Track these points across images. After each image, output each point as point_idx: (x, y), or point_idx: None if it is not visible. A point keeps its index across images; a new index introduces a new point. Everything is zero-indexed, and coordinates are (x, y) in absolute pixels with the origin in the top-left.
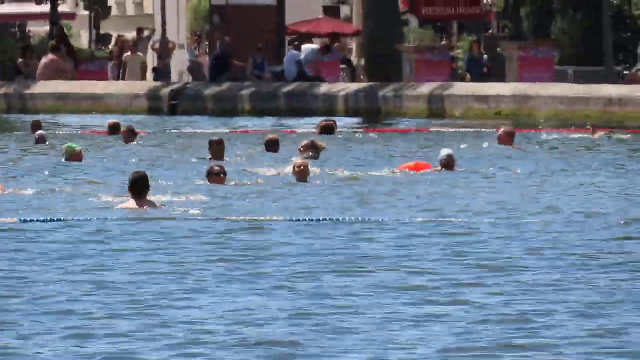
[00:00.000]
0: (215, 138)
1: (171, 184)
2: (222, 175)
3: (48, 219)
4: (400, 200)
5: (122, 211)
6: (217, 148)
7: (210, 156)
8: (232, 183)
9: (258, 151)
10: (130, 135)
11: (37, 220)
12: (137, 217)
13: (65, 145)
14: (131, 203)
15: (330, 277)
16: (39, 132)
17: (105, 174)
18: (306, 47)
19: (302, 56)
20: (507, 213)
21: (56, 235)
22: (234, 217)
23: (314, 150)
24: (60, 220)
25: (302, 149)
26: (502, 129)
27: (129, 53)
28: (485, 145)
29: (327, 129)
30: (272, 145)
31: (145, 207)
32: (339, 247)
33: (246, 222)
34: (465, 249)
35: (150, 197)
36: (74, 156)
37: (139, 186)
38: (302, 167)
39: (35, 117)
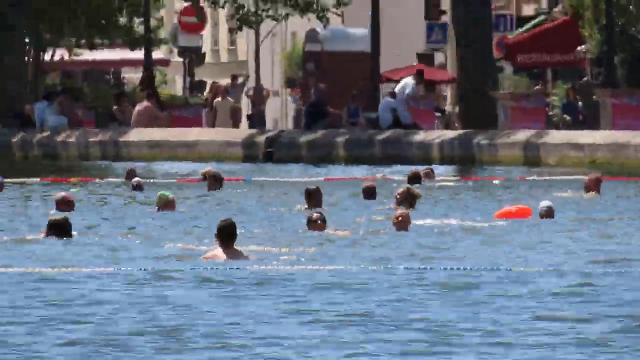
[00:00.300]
0: (312, 187)
1: (267, 232)
2: (320, 222)
3: (134, 268)
4: (513, 247)
5: (209, 260)
6: (314, 196)
7: (307, 205)
8: (332, 230)
9: (354, 199)
10: (214, 182)
11: (120, 269)
12: (223, 266)
13: (159, 193)
14: (219, 252)
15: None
16: (136, 179)
17: (196, 222)
18: (406, 81)
19: (406, 89)
20: (619, 259)
21: (140, 284)
22: (331, 266)
23: (410, 198)
24: (144, 269)
25: (398, 196)
26: (589, 176)
27: (219, 98)
28: (575, 193)
29: (415, 178)
30: (369, 193)
31: (232, 256)
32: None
33: (344, 271)
34: (583, 296)
35: (241, 246)
36: (166, 204)
37: (226, 234)
38: (402, 218)
39: (131, 165)
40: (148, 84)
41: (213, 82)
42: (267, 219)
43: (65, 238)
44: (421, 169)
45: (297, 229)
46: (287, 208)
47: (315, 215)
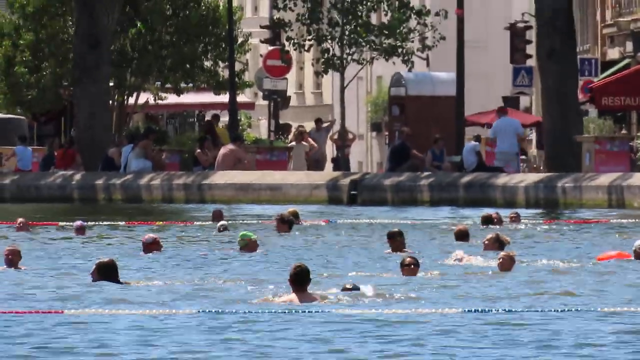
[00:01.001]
0: (395, 230)
1: (354, 275)
2: (414, 266)
3: (200, 310)
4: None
5: (282, 305)
6: (397, 240)
7: (390, 248)
8: (423, 274)
9: (445, 241)
10: (281, 224)
11: (211, 312)
12: (295, 311)
13: (240, 234)
14: (293, 297)
15: None
16: (223, 222)
17: (274, 265)
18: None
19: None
20: None
21: (211, 326)
22: (426, 310)
23: (499, 244)
24: (214, 312)
25: (487, 242)
26: None
27: (293, 143)
28: None
29: (462, 236)
30: (462, 236)
31: (306, 300)
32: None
33: (440, 315)
34: None
35: (319, 290)
36: (247, 246)
37: (299, 280)
38: (505, 258)
39: (217, 207)
40: (206, 130)
41: (299, 126)
42: (356, 262)
43: (113, 280)
44: (504, 212)
45: (389, 272)
46: (372, 251)
47: (408, 259)
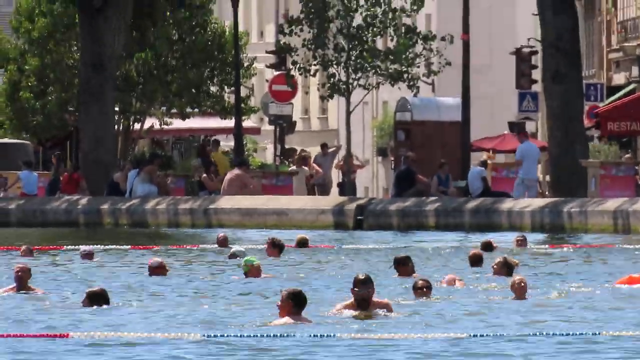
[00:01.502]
0: (401, 255)
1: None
2: (426, 289)
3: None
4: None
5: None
6: (404, 264)
7: (397, 273)
8: (436, 298)
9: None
10: (271, 248)
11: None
12: (293, 332)
13: (244, 259)
14: (288, 319)
15: None
16: (233, 249)
17: (277, 288)
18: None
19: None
20: None
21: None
22: (436, 334)
23: (507, 268)
24: (217, 336)
25: (495, 266)
26: None
27: (293, 167)
28: None
29: (477, 260)
30: (477, 261)
31: (300, 322)
32: None
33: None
34: None
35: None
36: (251, 271)
37: (298, 302)
38: (522, 284)
39: (222, 233)
40: (201, 153)
41: (301, 150)
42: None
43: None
44: (510, 236)
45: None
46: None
47: (420, 282)
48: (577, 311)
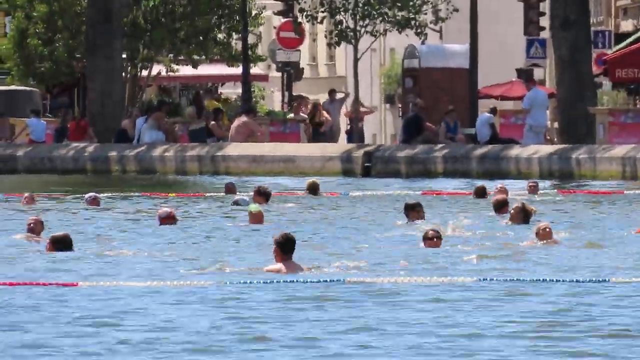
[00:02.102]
0: (412, 201)
1: (368, 248)
2: (437, 239)
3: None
4: None
5: (269, 274)
6: (415, 210)
7: (407, 219)
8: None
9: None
10: (257, 195)
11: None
12: (280, 280)
13: (249, 207)
14: (280, 266)
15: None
16: (236, 197)
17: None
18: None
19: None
20: None
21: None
22: (435, 278)
23: (524, 214)
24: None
25: (512, 212)
26: None
27: (291, 115)
28: None
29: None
30: (502, 206)
31: (293, 270)
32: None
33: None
34: None
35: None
36: (252, 218)
37: (287, 249)
38: (547, 229)
39: (229, 180)
40: (195, 102)
41: (299, 97)
42: (371, 235)
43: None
44: (518, 184)
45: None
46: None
47: (431, 232)
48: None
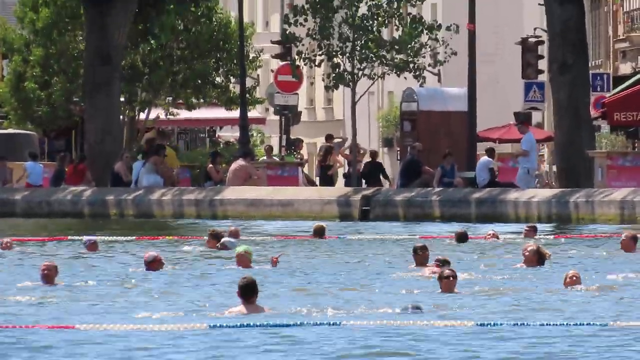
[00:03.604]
0: (419, 244)
1: (370, 287)
2: (452, 278)
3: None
4: None
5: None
6: (421, 254)
7: (414, 263)
8: (458, 291)
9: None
10: (211, 239)
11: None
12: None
13: (240, 248)
14: (242, 308)
15: None
16: (224, 239)
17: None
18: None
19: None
20: None
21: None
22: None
23: (538, 257)
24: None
25: (527, 254)
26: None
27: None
28: None
29: (461, 239)
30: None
31: (254, 312)
32: None
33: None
34: None
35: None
36: (238, 260)
37: (247, 291)
38: (575, 277)
39: (213, 228)
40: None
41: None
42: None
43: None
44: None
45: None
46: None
47: (447, 271)
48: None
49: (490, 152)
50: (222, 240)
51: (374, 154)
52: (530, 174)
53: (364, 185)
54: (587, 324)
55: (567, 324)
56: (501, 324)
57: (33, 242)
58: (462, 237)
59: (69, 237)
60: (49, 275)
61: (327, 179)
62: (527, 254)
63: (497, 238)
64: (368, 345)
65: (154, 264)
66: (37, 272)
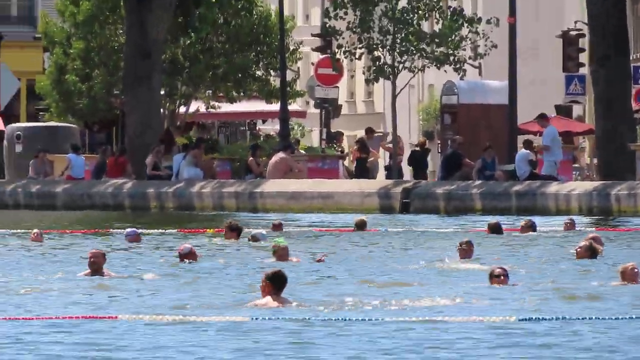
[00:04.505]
0: (465, 239)
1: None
2: (504, 277)
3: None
4: None
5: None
6: (466, 249)
7: (459, 257)
8: (514, 284)
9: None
10: (228, 231)
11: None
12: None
13: (275, 240)
14: (268, 299)
15: None
16: (254, 232)
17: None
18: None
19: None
20: None
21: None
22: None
23: (591, 252)
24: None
25: (579, 249)
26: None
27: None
28: None
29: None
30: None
31: (282, 304)
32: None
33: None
34: None
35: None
36: (277, 253)
37: (280, 283)
38: (636, 270)
39: (230, 220)
40: (164, 139)
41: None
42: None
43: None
44: (557, 219)
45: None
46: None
47: (497, 270)
48: None
49: (528, 144)
50: (253, 232)
51: (423, 142)
52: (558, 166)
53: (410, 173)
54: None
55: None
56: (579, 318)
57: (75, 234)
58: (495, 229)
59: (111, 230)
60: (96, 263)
61: (364, 171)
62: (579, 249)
63: (574, 227)
64: (412, 338)
65: (189, 256)
66: (80, 262)
